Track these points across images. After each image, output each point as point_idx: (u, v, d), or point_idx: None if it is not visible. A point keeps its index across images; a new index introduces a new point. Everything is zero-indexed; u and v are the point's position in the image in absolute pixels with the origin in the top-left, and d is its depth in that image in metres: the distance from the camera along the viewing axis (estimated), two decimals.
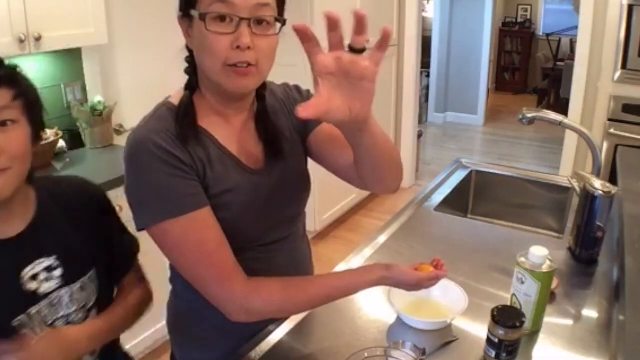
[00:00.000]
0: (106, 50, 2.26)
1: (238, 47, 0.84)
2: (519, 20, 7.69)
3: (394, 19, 3.86)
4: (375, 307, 1.13)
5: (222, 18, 0.84)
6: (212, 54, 0.85)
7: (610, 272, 1.26)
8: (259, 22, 0.86)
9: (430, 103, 6.33)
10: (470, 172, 1.92)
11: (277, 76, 1.05)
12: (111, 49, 2.27)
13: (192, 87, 0.95)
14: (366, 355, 0.89)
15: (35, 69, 2.15)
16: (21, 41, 1.71)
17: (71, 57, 2.26)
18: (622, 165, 1.74)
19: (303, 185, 1.08)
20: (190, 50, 0.93)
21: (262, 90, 1.00)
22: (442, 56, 6.13)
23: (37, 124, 0.89)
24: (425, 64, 5.24)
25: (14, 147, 0.82)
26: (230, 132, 0.97)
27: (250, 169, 0.98)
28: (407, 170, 4.29)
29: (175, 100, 0.94)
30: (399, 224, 1.53)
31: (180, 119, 0.90)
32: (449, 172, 1.91)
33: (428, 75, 6.16)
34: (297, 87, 1.11)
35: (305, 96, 1.09)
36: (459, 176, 1.88)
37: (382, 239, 1.45)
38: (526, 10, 7.68)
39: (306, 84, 1.03)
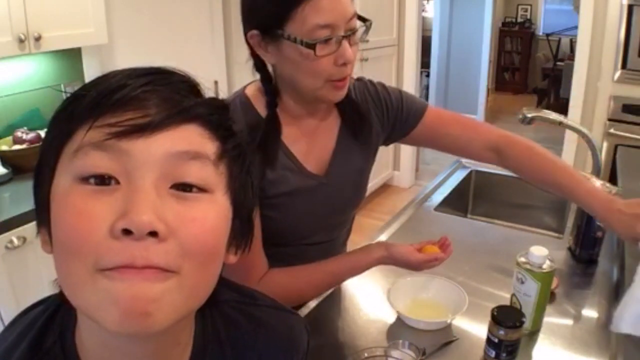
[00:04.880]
0: (106, 50, 2.25)
1: (344, 63, 0.88)
2: (519, 20, 7.69)
3: (394, 19, 3.86)
4: (375, 307, 1.13)
5: (326, 40, 0.86)
6: (315, 74, 0.88)
7: (610, 272, 1.26)
8: (353, 33, 0.89)
9: (430, 103, 6.29)
10: (470, 172, 1.92)
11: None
12: (111, 49, 2.27)
13: (274, 101, 0.96)
14: (366, 355, 0.89)
15: (35, 69, 2.15)
16: (21, 41, 1.71)
17: (71, 57, 2.26)
18: (622, 165, 1.74)
19: (358, 195, 1.12)
20: (259, 61, 0.95)
21: None
22: (442, 56, 6.12)
23: (243, 203, 0.52)
24: (425, 64, 5.24)
25: (194, 230, 0.44)
26: (299, 134, 1.00)
27: (310, 173, 1.01)
28: (407, 170, 4.29)
29: (250, 92, 0.98)
30: (399, 224, 1.53)
31: (268, 138, 0.94)
32: (448, 172, 1.91)
33: (428, 75, 6.16)
34: (371, 83, 1.11)
35: (390, 93, 1.11)
36: (458, 176, 1.88)
37: (382, 239, 1.44)
38: (526, 10, 7.67)
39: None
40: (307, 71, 0.89)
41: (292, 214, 0.99)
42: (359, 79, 1.12)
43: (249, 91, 0.98)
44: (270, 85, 0.96)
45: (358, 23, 0.91)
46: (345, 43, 0.87)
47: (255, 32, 0.89)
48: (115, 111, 0.43)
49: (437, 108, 1.16)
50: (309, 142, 1.01)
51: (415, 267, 1.02)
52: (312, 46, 0.85)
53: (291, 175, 0.98)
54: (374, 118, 1.09)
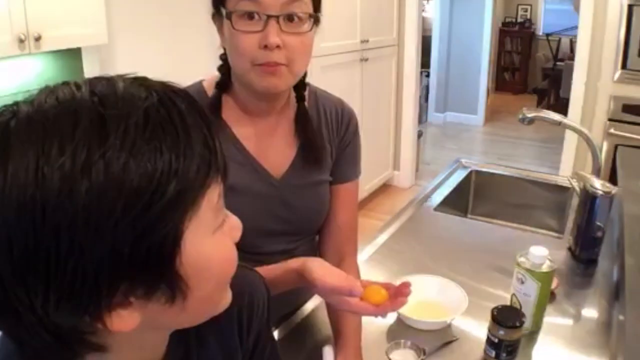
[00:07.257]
0: (106, 50, 2.26)
1: (265, 46, 0.81)
2: (519, 20, 7.70)
3: (394, 19, 3.86)
4: None
5: (249, 16, 0.81)
6: (239, 53, 0.83)
7: (610, 272, 1.26)
8: (290, 18, 0.82)
9: (430, 103, 6.32)
10: (470, 172, 1.92)
11: None
12: (111, 49, 2.27)
13: (222, 85, 0.92)
14: None
15: (35, 69, 2.15)
16: (21, 41, 1.71)
17: (71, 57, 2.26)
18: (622, 165, 1.75)
19: (317, 206, 1.01)
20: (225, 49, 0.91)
21: (302, 91, 0.96)
22: (442, 56, 6.13)
23: None
24: (425, 64, 5.24)
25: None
26: (254, 132, 0.94)
27: (265, 171, 0.94)
28: (407, 170, 4.29)
29: (206, 82, 0.94)
30: (399, 224, 1.53)
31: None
32: (448, 172, 1.91)
33: (428, 75, 6.16)
34: (346, 113, 1.02)
35: (347, 124, 1.02)
36: (458, 176, 1.88)
37: (382, 239, 1.44)
38: (526, 10, 7.68)
39: None
40: (234, 50, 0.84)
41: (237, 212, 0.88)
42: (344, 105, 1.04)
43: (206, 81, 0.96)
44: (222, 69, 0.93)
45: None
46: (271, 25, 0.81)
47: (213, 10, 0.88)
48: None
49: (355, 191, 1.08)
50: (265, 141, 0.95)
51: (319, 291, 0.80)
52: (230, 16, 0.81)
53: (240, 169, 0.91)
54: (331, 141, 1.02)
